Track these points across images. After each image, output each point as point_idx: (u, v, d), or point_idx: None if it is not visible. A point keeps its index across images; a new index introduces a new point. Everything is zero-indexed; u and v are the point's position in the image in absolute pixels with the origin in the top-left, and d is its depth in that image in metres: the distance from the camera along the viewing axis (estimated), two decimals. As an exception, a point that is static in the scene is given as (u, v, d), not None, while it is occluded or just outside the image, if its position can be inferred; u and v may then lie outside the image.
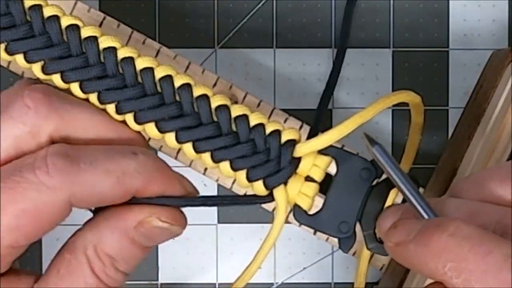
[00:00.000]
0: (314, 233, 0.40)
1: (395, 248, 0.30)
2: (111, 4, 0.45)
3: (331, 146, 0.34)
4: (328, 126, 0.44)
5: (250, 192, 0.34)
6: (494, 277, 0.27)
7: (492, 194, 0.31)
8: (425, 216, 0.31)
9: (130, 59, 0.33)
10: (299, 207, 0.34)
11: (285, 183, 0.33)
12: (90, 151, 0.31)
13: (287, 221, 0.36)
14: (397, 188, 0.32)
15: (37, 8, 0.32)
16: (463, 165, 0.38)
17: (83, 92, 0.33)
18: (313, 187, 0.34)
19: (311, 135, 0.39)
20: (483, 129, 0.38)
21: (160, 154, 0.40)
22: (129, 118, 0.33)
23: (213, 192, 0.45)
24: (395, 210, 0.32)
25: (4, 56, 0.33)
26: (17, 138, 0.31)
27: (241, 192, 0.40)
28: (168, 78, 0.33)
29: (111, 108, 0.33)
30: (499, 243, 0.28)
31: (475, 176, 0.32)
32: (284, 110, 0.40)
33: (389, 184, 0.35)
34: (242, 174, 0.33)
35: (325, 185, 0.35)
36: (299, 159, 0.33)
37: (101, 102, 0.33)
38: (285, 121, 0.40)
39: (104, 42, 0.33)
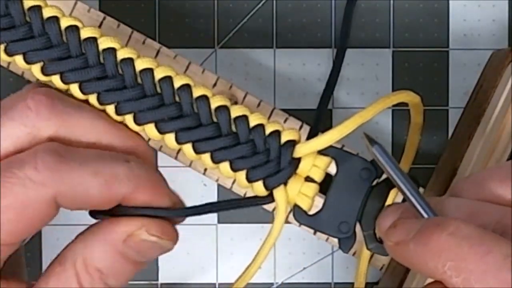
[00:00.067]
0: (314, 233, 0.40)
1: (394, 247, 0.30)
2: (111, 4, 0.45)
3: (331, 146, 0.34)
4: (328, 126, 0.44)
5: (250, 193, 0.34)
6: (493, 277, 0.27)
7: (492, 194, 0.31)
8: (425, 215, 0.31)
9: (130, 60, 0.33)
10: (299, 207, 0.34)
11: (285, 184, 0.33)
12: (82, 152, 0.31)
13: (287, 221, 0.36)
14: (397, 188, 0.32)
15: (37, 9, 0.32)
16: (463, 165, 0.38)
17: (83, 93, 0.33)
18: (313, 188, 0.34)
19: (311, 135, 0.39)
20: (483, 129, 0.38)
21: (160, 154, 0.40)
22: (129, 119, 0.33)
23: (213, 192, 0.45)
24: (395, 209, 0.32)
25: (4, 57, 0.33)
26: (17, 138, 0.31)
27: (241, 192, 0.40)
28: (168, 79, 0.33)
29: (110, 109, 0.33)
30: (498, 242, 0.28)
31: (475, 176, 0.32)
32: (284, 110, 0.40)
33: (389, 184, 0.35)
34: (242, 175, 0.33)
35: (325, 185, 0.35)
36: (299, 160, 0.33)
37: (100, 103, 0.33)
38: (285, 121, 0.40)
39: (104, 43, 0.33)
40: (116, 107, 0.33)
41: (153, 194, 0.32)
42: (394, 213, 0.32)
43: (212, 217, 0.45)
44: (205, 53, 0.45)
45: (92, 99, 0.33)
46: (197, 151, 0.33)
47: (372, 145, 0.32)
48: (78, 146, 0.32)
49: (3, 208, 0.30)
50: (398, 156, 0.39)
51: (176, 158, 0.40)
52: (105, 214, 0.32)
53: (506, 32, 0.45)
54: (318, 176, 0.34)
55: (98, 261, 0.31)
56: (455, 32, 0.45)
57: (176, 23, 0.45)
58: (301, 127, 0.40)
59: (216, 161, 0.33)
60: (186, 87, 0.33)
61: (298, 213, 0.34)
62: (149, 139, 0.34)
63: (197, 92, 0.33)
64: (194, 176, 0.44)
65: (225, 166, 0.33)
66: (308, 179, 0.34)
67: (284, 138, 0.33)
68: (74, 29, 0.33)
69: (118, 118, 0.33)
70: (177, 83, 0.33)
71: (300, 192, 0.34)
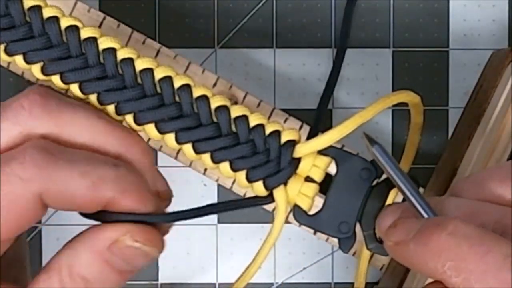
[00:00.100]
0: (314, 233, 0.40)
1: (394, 247, 0.30)
2: (111, 4, 0.45)
3: (331, 146, 0.34)
4: (328, 126, 0.44)
5: (249, 193, 0.34)
6: (493, 277, 0.27)
7: (492, 194, 0.31)
8: (425, 215, 0.31)
9: (130, 60, 0.33)
10: (299, 207, 0.34)
11: (285, 184, 0.33)
12: (72, 152, 0.31)
13: (287, 221, 0.36)
14: (397, 188, 0.32)
15: (37, 9, 0.32)
16: (463, 165, 0.38)
17: (83, 93, 0.33)
18: (313, 188, 0.34)
19: (311, 135, 0.39)
20: (483, 129, 0.38)
21: (160, 154, 0.40)
22: (129, 119, 0.33)
23: (213, 192, 0.45)
24: (395, 208, 0.32)
25: (4, 57, 0.33)
26: (10, 137, 0.31)
27: (241, 192, 0.40)
28: (168, 79, 0.33)
29: (110, 109, 0.33)
30: (498, 242, 0.28)
31: (475, 176, 0.32)
32: (284, 110, 0.40)
33: (389, 184, 0.35)
34: (242, 175, 0.33)
35: (325, 185, 0.35)
36: (299, 160, 0.33)
37: (100, 103, 0.33)
38: (285, 121, 0.40)
39: (104, 43, 0.33)
40: (116, 107, 0.33)
41: (139, 201, 0.31)
42: (394, 213, 0.32)
43: (212, 217, 0.45)
44: (205, 53, 0.45)
45: (92, 99, 0.33)
46: (197, 151, 0.33)
47: (372, 145, 0.32)
48: (72, 145, 0.31)
49: None
50: (398, 156, 0.39)
51: (176, 158, 0.40)
52: (94, 218, 0.32)
53: (506, 32, 0.45)
54: (318, 176, 0.34)
55: (84, 269, 0.31)
56: (455, 32, 0.45)
57: (176, 23, 0.45)
58: (301, 127, 0.40)
59: (216, 161, 0.33)
60: (186, 87, 0.33)
61: (298, 213, 0.34)
62: (149, 139, 0.34)
63: (197, 92, 0.33)
64: (194, 176, 0.44)
65: (225, 166, 0.33)
66: (308, 179, 0.34)
67: (284, 138, 0.33)
68: (74, 29, 0.33)
69: (118, 118, 0.33)
70: (177, 83, 0.33)
71: (300, 192, 0.34)
